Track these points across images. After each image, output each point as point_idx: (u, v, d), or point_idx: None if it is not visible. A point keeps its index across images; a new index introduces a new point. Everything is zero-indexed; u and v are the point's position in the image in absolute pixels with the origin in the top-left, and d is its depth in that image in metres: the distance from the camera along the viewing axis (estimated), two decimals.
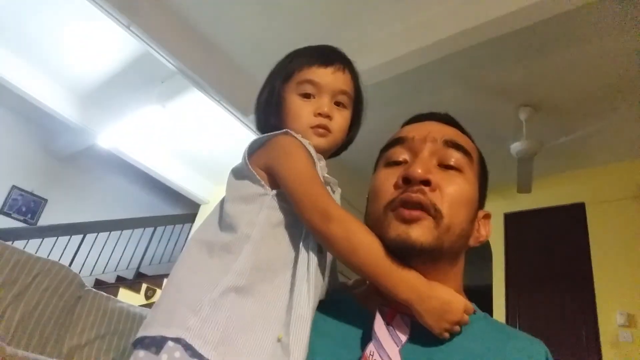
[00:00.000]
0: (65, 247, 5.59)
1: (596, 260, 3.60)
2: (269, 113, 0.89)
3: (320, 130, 0.85)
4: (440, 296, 0.65)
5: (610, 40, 2.73)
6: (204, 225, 0.80)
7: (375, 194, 0.74)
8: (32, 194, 6.22)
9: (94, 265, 5.97)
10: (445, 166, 0.72)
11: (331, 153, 0.92)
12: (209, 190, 5.53)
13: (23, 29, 3.98)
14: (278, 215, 0.74)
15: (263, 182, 0.76)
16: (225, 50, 3.31)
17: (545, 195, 4.00)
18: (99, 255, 6.02)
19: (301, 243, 0.72)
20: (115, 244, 6.15)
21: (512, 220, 4.11)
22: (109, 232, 6.11)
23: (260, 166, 0.78)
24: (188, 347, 0.61)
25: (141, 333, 0.66)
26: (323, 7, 2.88)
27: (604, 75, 3.01)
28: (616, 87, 3.09)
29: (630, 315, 3.30)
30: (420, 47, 2.77)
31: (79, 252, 5.69)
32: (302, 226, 0.73)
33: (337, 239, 0.68)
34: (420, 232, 0.65)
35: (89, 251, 5.86)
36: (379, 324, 0.65)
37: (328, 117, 0.85)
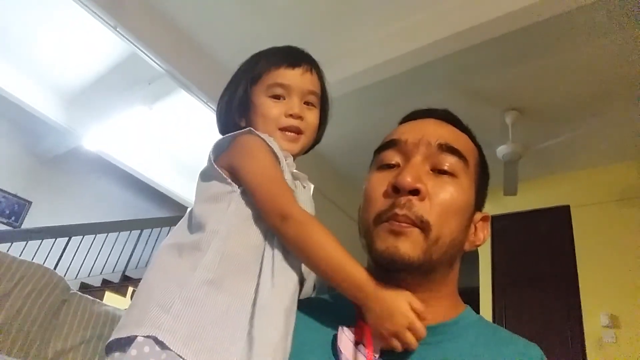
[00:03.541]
0: (49, 250, 5.52)
1: (581, 262, 3.65)
2: (236, 115, 0.90)
3: (290, 135, 0.87)
4: (385, 302, 0.64)
5: (594, 46, 2.77)
6: (173, 231, 0.80)
7: (366, 200, 0.73)
8: (16, 196, 6.13)
9: (80, 269, 5.90)
10: (438, 171, 0.70)
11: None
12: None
13: (7, 29, 3.93)
14: (246, 210, 0.75)
15: (230, 180, 0.77)
16: (212, 52, 3.30)
17: (530, 197, 4.04)
18: (85, 258, 5.95)
19: (269, 236, 0.73)
20: (101, 247, 6.08)
21: (499, 223, 4.14)
22: (94, 235, 6.04)
23: (225, 166, 0.79)
24: (158, 343, 0.61)
25: (114, 336, 0.66)
26: (310, 10, 2.88)
27: (588, 80, 3.05)
28: (601, 92, 3.13)
29: (613, 316, 3.35)
30: (407, 51, 2.79)
31: (64, 255, 5.62)
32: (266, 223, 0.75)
33: (292, 238, 0.69)
34: (409, 246, 0.64)
35: (74, 254, 5.79)
36: (344, 344, 0.65)
37: (299, 117, 0.87)
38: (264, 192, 0.74)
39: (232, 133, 0.83)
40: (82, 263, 5.93)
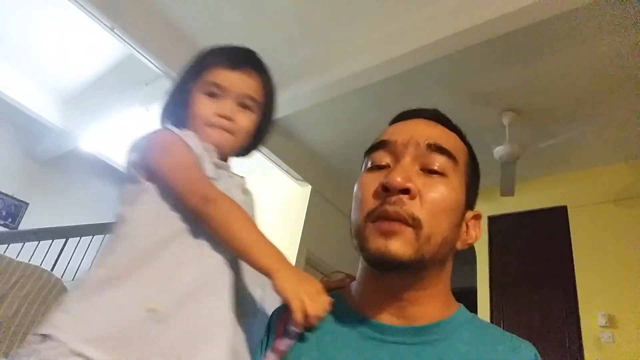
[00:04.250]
0: (47, 252, 5.50)
1: (578, 262, 3.65)
2: (176, 107, 0.93)
3: (219, 129, 0.88)
4: (298, 270, 0.70)
5: (591, 46, 2.78)
6: None
7: (356, 201, 0.73)
8: (12, 197, 6.11)
9: (77, 270, 5.88)
10: (428, 171, 0.70)
11: (238, 153, 0.96)
12: None
13: (4, 30, 3.92)
14: (156, 207, 0.77)
15: (140, 179, 0.80)
16: None
17: (528, 198, 4.05)
18: (82, 259, 5.93)
19: (179, 228, 0.76)
20: (99, 249, 6.07)
21: (496, 223, 4.15)
22: (92, 236, 6.02)
23: (141, 166, 0.81)
24: (52, 339, 0.65)
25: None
26: (308, 12, 2.88)
27: (585, 81, 3.06)
28: (597, 93, 3.14)
29: (611, 316, 3.36)
30: (405, 52, 2.79)
31: (61, 257, 5.61)
32: (179, 213, 0.77)
33: (214, 218, 0.73)
34: (399, 245, 0.64)
35: (72, 256, 5.78)
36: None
37: (230, 119, 0.88)
38: (183, 178, 0.77)
39: (146, 133, 0.85)
40: (80, 264, 5.91)
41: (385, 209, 0.66)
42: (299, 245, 3.88)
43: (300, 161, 4.11)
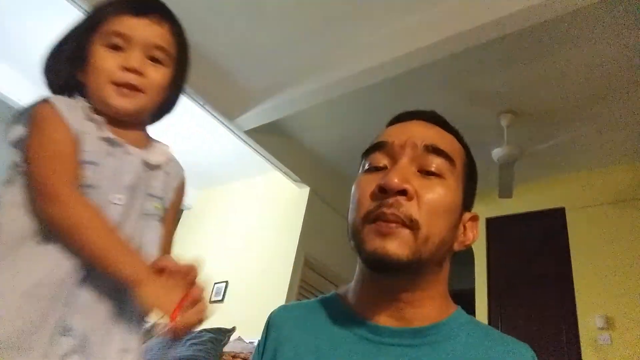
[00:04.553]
0: None
1: (576, 264, 3.66)
2: (69, 67, 0.79)
3: (125, 90, 0.76)
4: (163, 279, 0.64)
5: (590, 48, 2.79)
6: None
7: (354, 202, 0.73)
8: None
9: None
10: (426, 172, 0.70)
11: (153, 116, 0.85)
12: (192, 195, 5.49)
13: (3, 30, 3.92)
14: (19, 199, 0.68)
15: (17, 160, 0.71)
16: (209, 54, 3.30)
17: (526, 200, 4.05)
18: None
19: (32, 229, 0.66)
20: None
21: (494, 225, 4.15)
22: None
23: (18, 145, 0.72)
24: None
25: None
26: (308, 12, 2.88)
27: (584, 83, 3.06)
28: (596, 95, 3.15)
29: (609, 318, 3.36)
30: (404, 53, 2.79)
31: None
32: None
33: (59, 221, 0.64)
34: (397, 245, 0.64)
35: None
36: None
37: (138, 73, 0.76)
38: (36, 171, 0.67)
39: (27, 105, 0.73)
40: None
41: (383, 211, 0.66)
42: (297, 247, 3.88)
43: (299, 163, 4.11)
